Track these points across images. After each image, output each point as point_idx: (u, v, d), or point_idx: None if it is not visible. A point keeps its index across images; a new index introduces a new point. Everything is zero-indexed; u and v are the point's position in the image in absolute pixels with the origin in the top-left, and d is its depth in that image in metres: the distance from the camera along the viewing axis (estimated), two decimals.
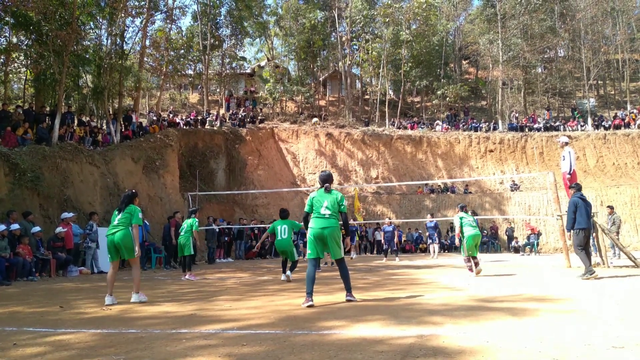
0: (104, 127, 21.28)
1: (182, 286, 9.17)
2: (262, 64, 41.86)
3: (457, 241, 10.46)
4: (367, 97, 41.45)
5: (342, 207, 5.94)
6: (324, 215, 5.85)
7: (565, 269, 11.26)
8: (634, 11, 40.95)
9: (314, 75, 40.67)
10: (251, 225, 21.63)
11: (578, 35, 38.19)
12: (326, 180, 6.15)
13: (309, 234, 5.93)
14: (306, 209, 6.08)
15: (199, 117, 28.36)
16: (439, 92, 36.92)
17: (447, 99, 37.27)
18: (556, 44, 39.85)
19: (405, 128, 33.34)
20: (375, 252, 25.14)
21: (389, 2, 36.21)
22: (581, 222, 8.65)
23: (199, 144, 26.19)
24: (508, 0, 35.84)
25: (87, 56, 20.25)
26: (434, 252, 18.76)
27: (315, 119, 31.94)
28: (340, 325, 4.29)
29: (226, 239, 20.21)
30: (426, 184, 29.26)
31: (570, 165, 11.70)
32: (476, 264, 9.82)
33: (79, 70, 20.62)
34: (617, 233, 15.79)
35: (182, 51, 31.85)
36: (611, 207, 17.12)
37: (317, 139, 30.67)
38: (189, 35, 32.97)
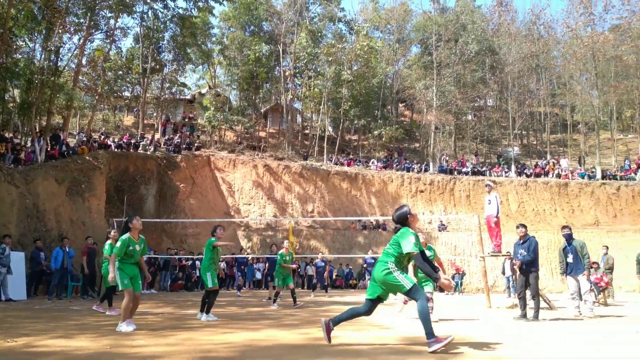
0: (29, 144, 20.09)
1: (98, 318, 8.66)
2: (203, 91, 41.52)
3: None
4: (307, 131, 42.01)
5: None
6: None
7: (486, 309, 11.72)
8: (555, 69, 44.78)
9: (256, 106, 40.82)
10: (179, 256, 20.98)
11: (506, 87, 41.06)
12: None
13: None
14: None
15: (133, 141, 27.46)
16: (375, 132, 38.11)
17: (383, 139, 38.54)
18: (486, 94, 42.64)
19: (342, 164, 33.98)
20: (306, 287, 24.99)
21: (333, 42, 37.40)
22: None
23: (130, 168, 25.28)
24: (444, 50, 38.07)
25: (17, 70, 19.24)
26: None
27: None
28: None
29: (151, 269, 19.38)
30: (359, 220, 29.74)
31: (497, 209, 12.41)
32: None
33: (6, 84, 19.50)
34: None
35: (121, 72, 31.06)
36: None
37: (255, 170, 30.52)
38: (129, 57, 32.24)
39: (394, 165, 34.69)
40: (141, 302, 13.44)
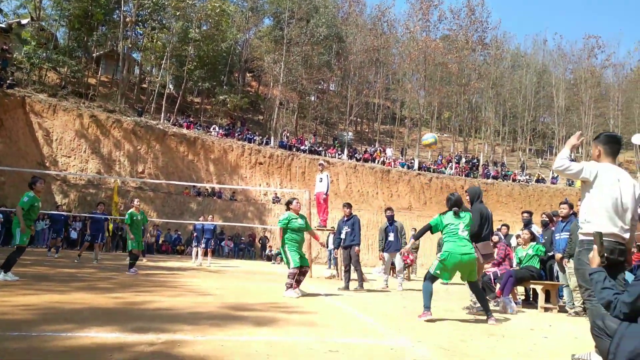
0: None
1: None
2: (24, 22, 35.70)
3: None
4: (144, 85, 39.15)
5: None
6: None
7: (308, 278, 12.37)
8: (392, 65, 48.73)
9: (87, 49, 36.56)
10: None
11: (348, 75, 43.47)
12: None
13: None
14: None
15: None
16: (220, 98, 37.23)
17: (228, 106, 37.87)
18: (329, 78, 44.59)
19: (181, 126, 32.52)
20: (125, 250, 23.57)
21: None
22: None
23: None
24: (295, 28, 38.60)
25: None
26: (204, 256, 16.71)
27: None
28: (69, 328, 3.84)
29: None
30: (194, 186, 28.94)
31: (327, 187, 13.13)
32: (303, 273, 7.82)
33: None
34: None
35: None
36: None
37: (80, 120, 27.46)
38: None
39: (236, 134, 34.39)
40: None
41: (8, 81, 26.46)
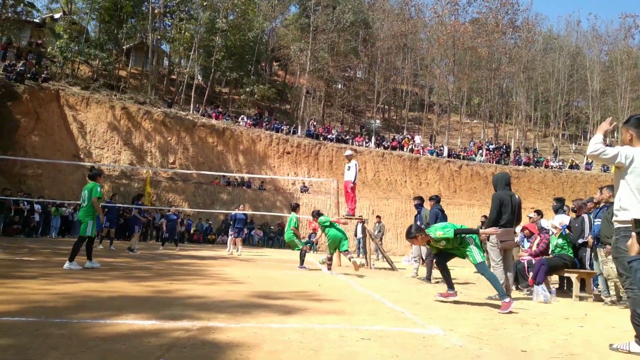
0: None
1: None
2: (56, 16, 36.61)
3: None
4: (173, 77, 39.70)
5: None
6: None
7: (337, 267, 12.42)
8: (420, 51, 47.97)
9: (117, 41, 37.19)
10: (16, 198, 18.71)
11: (375, 61, 43.02)
12: None
13: None
14: None
15: None
16: (248, 90, 37.46)
17: (255, 96, 38.08)
18: (356, 65, 44.23)
19: (210, 117, 32.89)
20: (159, 240, 24.10)
21: None
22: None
23: None
24: (321, 15, 38.37)
25: None
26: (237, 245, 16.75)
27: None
28: (107, 315, 3.96)
29: None
30: (224, 176, 29.30)
31: (355, 176, 13.10)
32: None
33: None
34: (381, 239, 18.20)
35: None
36: (379, 217, 19.67)
37: (112, 112, 28.11)
38: None
39: (264, 124, 34.57)
40: None
41: (43, 75, 27.21)
